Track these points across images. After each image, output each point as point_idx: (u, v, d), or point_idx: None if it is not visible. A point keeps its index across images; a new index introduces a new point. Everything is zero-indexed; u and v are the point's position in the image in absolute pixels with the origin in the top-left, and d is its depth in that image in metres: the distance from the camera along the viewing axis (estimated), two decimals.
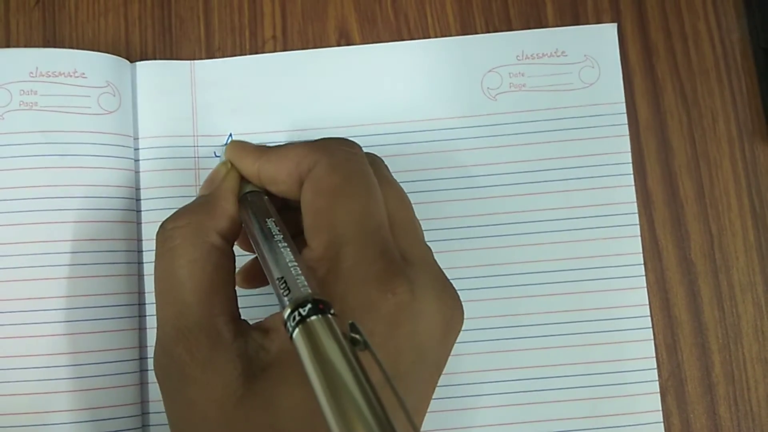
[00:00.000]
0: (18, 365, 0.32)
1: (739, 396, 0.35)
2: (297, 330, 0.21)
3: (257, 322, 0.26)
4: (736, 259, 0.36)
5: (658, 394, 0.34)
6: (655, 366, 0.34)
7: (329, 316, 0.21)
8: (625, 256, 0.35)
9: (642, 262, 0.35)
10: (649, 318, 0.35)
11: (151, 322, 0.33)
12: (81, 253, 0.32)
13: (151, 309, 0.34)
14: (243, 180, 0.29)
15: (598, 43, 0.37)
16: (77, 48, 0.35)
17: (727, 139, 0.37)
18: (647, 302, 0.35)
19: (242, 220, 0.28)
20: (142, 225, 0.34)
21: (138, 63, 0.36)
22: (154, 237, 0.27)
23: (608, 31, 0.37)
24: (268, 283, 0.25)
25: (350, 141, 0.28)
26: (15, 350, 0.32)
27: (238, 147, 0.30)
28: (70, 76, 0.34)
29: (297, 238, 0.26)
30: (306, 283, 0.23)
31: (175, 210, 0.27)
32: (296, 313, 0.21)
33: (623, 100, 0.36)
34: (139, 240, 0.34)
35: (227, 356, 0.24)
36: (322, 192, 0.26)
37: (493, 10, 0.38)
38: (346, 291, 0.24)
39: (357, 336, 0.21)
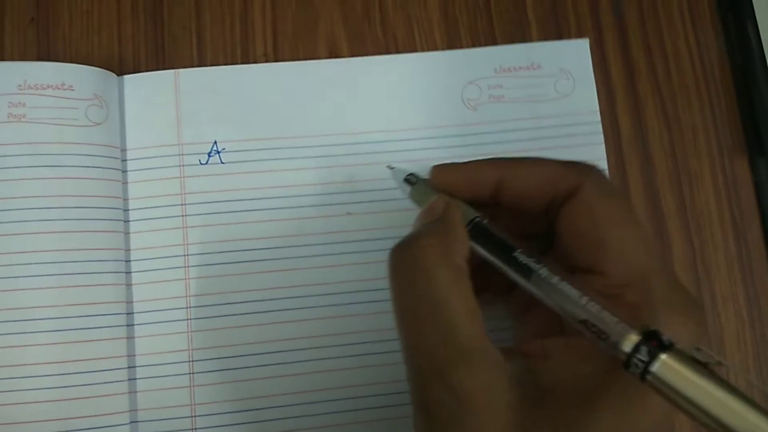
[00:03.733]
0: (4, 375, 0.31)
1: None
2: (657, 366, 0.21)
3: (509, 347, 0.25)
4: (718, 271, 0.36)
5: None
6: None
7: (677, 347, 0.22)
8: None
9: None
10: None
11: (140, 331, 0.33)
12: (69, 263, 0.32)
13: (140, 318, 0.33)
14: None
15: (572, 57, 0.38)
16: None
17: (707, 154, 0.37)
18: None
19: (474, 250, 0.26)
20: (131, 235, 0.34)
21: (125, 76, 0.36)
22: (389, 258, 0.25)
23: (581, 46, 0.38)
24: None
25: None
26: (1, 360, 0.31)
27: (455, 167, 0.28)
28: (58, 88, 0.34)
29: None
30: (616, 317, 0.23)
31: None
32: (641, 350, 0.22)
33: (598, 109, 0.37)
34: (128, 250, 0.34)
35: (506, 380, 0.23)
36: (606, 218, 0.25)
37: (479, 29, 0.38)
38: (666, 319, 0.23)
39: (702, 358, 0.21)
